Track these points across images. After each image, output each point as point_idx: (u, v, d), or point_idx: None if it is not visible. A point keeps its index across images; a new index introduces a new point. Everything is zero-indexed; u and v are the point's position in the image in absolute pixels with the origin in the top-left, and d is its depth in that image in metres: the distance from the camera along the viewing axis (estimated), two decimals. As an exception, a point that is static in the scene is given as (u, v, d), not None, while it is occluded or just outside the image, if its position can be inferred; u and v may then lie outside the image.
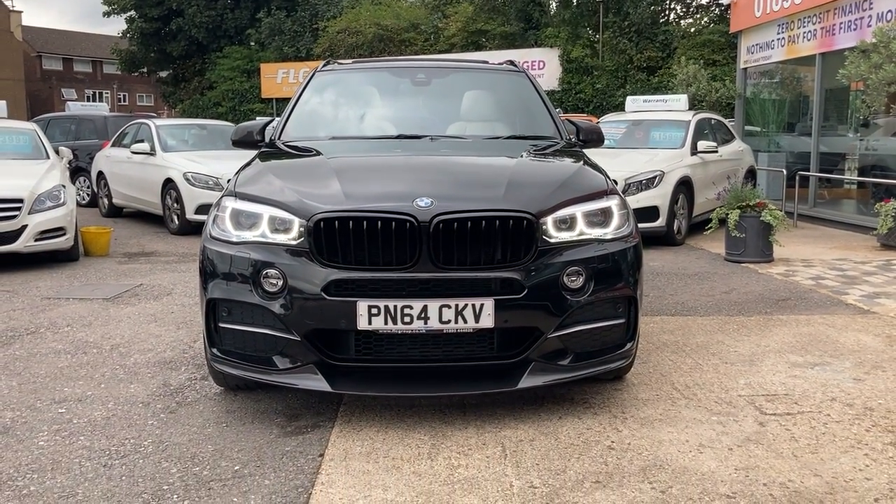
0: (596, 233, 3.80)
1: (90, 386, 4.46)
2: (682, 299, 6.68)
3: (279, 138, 4.96)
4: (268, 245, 3.67)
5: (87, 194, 15.15)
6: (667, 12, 27.39)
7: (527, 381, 3.66)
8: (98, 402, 4.18)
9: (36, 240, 8.21)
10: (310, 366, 3.65)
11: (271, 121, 5.26)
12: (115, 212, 13.39)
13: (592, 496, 3.04)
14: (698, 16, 26.23)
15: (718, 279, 7.65)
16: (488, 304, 3.53)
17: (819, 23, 11.97)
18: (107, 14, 36.86)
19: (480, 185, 3.90)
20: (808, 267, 8.30)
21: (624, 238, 3.86)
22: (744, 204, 8.53)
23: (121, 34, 38.47)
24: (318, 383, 3.63)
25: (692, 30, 24.85)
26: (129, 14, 36.69)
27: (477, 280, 3.57)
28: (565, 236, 3.72)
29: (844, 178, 11.97)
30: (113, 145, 13.55)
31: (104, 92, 68.97)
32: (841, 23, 11.44)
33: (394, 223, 3.52)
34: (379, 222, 3.52)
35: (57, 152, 9.96)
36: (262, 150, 4.72)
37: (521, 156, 4.27)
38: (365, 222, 3.53)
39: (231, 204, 3.84)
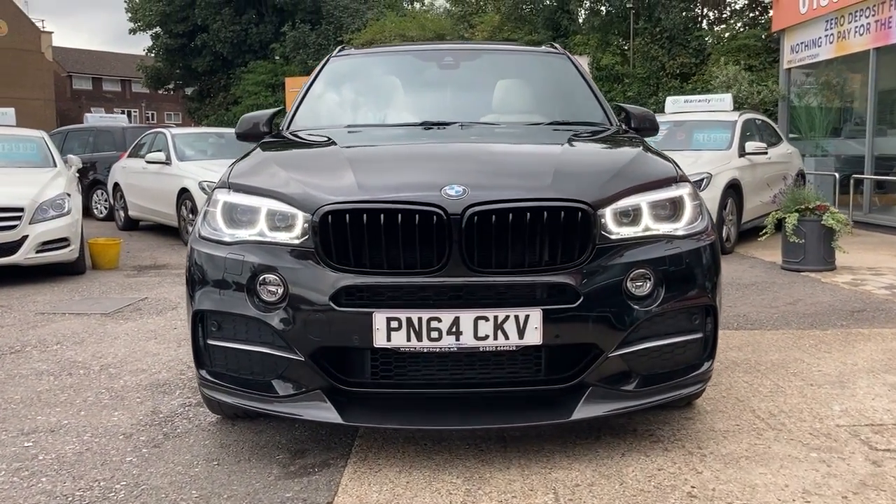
0: (665, 228, 3.11)
1: (68, 413, 3.84)
2: (742, 311, 5.94)
3: (287, 129, 4.32)
4: (266, 245, 3.02)
5: (105, 208, 14.70)
6: (699, 19, 26.59)
7: (583, 412, 2.96)
8: (72, 434, 3.54)
9: (37, 251, 7.66)
10: (316, 392, 2.98)
11: (281, 110, 4.61)
12: (132, 224, 12.89)
13: (678, 564, 2.34)
14: (732, 20, 25.37)
15: (779, 289, 6.89)
16: (535, 315, 2.84)
17: (873, 15, 11.19)
18: (132, 31, 36.79)
19: (522, 173, 3.23)
20: (877, 276, 7.51)
21: (699, 235, 3.16)
22: (803, 207, 7.76)
23: (146, 51, 38.40)
24: (326, 413, 2.96)
25: (726, 35, 24.00)
26: (154, 31, 36.60)
27: (520, 286, 2.89)
28: (628, 232, 3.03)
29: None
30: (129, 156, 13.07)
31: (132, 110, 69.37)
32: (898, 15, 10.66)
33: (418, 216, 2.85)
34: (399, 216, 2.86)
35: (65, 161, 9.45)
36: (266, 139, 4.07)
37: (568, 142, 3.58)
38: (382, 216, 2.86)
39: (224, 197, 3.20)
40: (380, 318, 2.84)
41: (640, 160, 3.36)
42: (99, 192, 14.84)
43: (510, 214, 2.86)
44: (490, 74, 4.75)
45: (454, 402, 3.08)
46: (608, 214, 2.99)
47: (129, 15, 36.10)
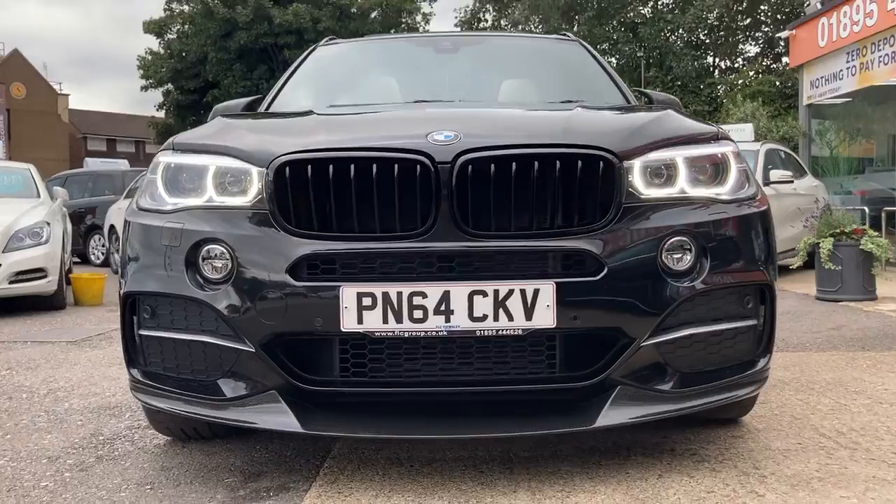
0: (706, 192, 2.50)
1: (-8, 437, 3.21)
2: (781, 336, 5.26)
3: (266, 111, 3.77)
4: (212, 211, 2.44)
5: (102, 253, 14.20)
6: (712, 68, 26.34)
7: (610, 417, 2.31)
8: (-12, 458, 2.92)
9: (11, 282, 7.10)
10: (270, 393, 2.36)
11: (261, 98, 4.06)
12: (127, 268, 12.33)
13: None
14: (745, 68, 25.08)
15: (818, 316, 6.22)
16: (546, 290, 2.23)
17: (898, 43, 10.71)
18: (144, 88, 36.91)
19: (528, 125, 2.65)
20: (924, 304, 6.83)
21: (748, 201, 2.55)
22: (838, 231, 7.13)
23: (157, 107, 38.49)
24: (281, 419, 2.32)
25: (740, 82, 23.67)
26: (165, 87, 36.73)
27: (528, 253, 2.29)
28: (661, 194, 2.43)
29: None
30: (126, 197, 12.62)
31: (144, 170, 69.81)
32: (925, 41, 10.17)
33: (397, 166, 2.26)
34: (374, 165, 2.27)
35: (51, 193, 8.96)
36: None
37: (581, 108, 2.99)
38: (353, 166, 2.28)
39: (166, 159, 2.62)
40: (349, 294, 2.23)
41: (671, 117, 2.78)
42: (96, 237, 14.37)
43: (513, 163, 2.26)
44: (493, 58, 4.21)
45: (445, 407, 2.45)
46: (636, 170, 2.39)
47: (142, 72, 36.25)
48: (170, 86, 36.22)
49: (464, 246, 2.26)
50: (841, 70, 12.23)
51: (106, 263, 13.67)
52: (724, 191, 2.52)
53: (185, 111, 36.67)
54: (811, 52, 13.02)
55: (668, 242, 2.34)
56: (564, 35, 4.58)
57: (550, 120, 2.72)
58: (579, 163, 2.29)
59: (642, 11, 25.30)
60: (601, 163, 2.31)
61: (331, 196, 2.29)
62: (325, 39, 4.56)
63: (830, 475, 2.47)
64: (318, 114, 2.88)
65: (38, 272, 7.28)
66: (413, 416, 2.41)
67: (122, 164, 16.34)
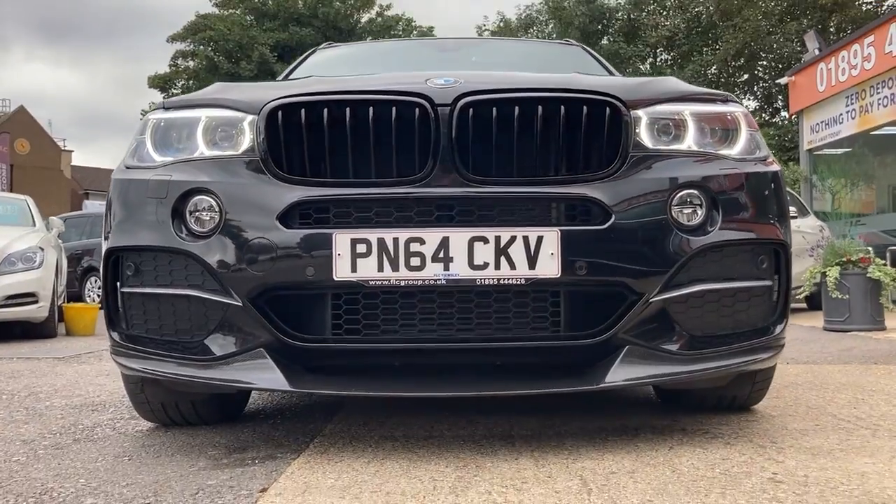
0: (714, 152, 2.40)
1: (-34, 426, 3.05)
2: (790, 354, 5.11)
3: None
4: (202, 161, 2.34)
5: (98, 295, 14.03)
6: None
7: (617, 375, 2.18)
8: (-41, 440, 2.75)
9: (1, 306, 6.96)
10: (257, 350, 2.22)
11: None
12: (122, 308, 12.18)
13: (777, 546, 1.51)
14: (744, 123, 25.28)
15: (827, 342, 6.06)
16: (550, 237, 2.11)
17: (896, 86, 10.77)
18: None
19: (529, 77, 2.57)
20: (934, 333, 6.67)
21: (760, 161, 2.45)
22: (845, 259, 7.02)
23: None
24: (267, 376, 2.19)
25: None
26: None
27: (531, 199, 2.18)
28: (669, 149, 2.33)
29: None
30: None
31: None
32: (923, 82, 10.22)
33: (395, 109, 2.17)
34: (370, 109, 2.18)
35: (47, 225, 8.88)
36: None
37: (577, 73, 2.91)
38: (348, 110, 2.19)
39: (156, 116, 2.53)
40: (342, 241, 2.11)
41: (676, 80, 2.69)
42: (93, 279, 14.24)
43: (516, 107, 2.17)
44: (495, 56, 4.17)
45: (442, 371, 2.31)
46: (643, 122, 2.30)
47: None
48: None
49: (464, 192, 2.16)
50: (841, 114, 12.28)
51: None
52: (734, 152, 2.42)
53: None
54: (810, 97, 13.11)
55: (678, 195, 2.24)
56: (567, 41, 4.55)
57: (551, 76, 2.64)
58: (585, 108, 2.21)
59: (642, 67, 25.65)
60: (608, 108, 2.22)
61: (325, 141, 2.20)
62: (325, 44, 4.53)
63: (852, 448, 2.31)
64: (319, 76, 2.80)
65: (30, 297, 7.16)
66: (406, 377, 2.27)
67: (122, 207, 16.29)
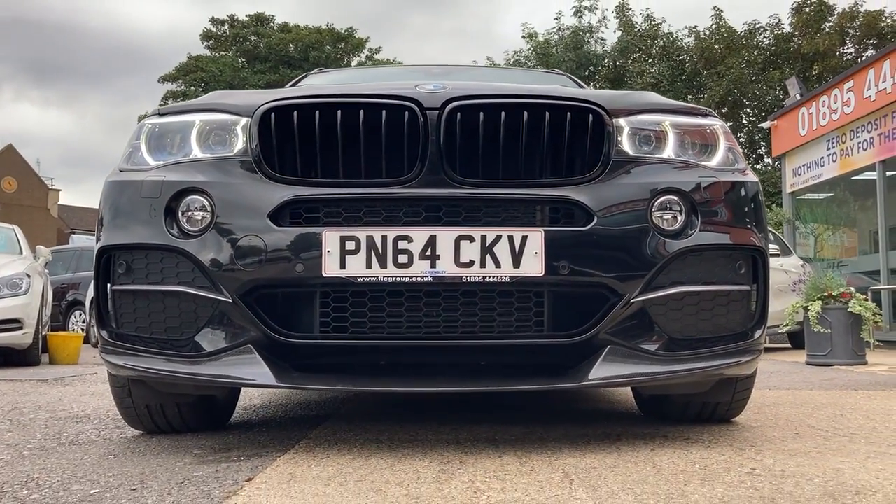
0: (694, 161, 2.48)
1: (-51, 433, 3.04)
2: (772, 382, 5.16)
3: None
4: (194, 162, 2.39)
5: (82, 329, 13.96)
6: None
7: (599, 373, 2.22)
8: (-58, 443, 2.75)
9: (-15, 331, 6.93)
10: (246, 346, 2.25)
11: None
12: (106, 341, 12.09)
13: (752, 521, 1.55)
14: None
15: (809, 374, 6.11)
16: (535, 237, 2.18)
17: (875, 129, 10.99)
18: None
19: (515, 88, 2.65)
20: (914, 367, 6.74)
21: (739, 171, 2.53)
22: (826, 294, 7.11)
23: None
24: (254, 371, 2.22)
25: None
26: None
27: (517, 201, 2.25)
28: (650, 157, 2.41)
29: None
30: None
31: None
32: (902, 125, 10.45)
33: (385, 112, 2.25)
34: (361, 111, 2.25)
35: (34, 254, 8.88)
36: None
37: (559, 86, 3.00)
38: (339, 112, 2.26)
39: (151, 121, 2.59)
40: (332, 238, 2.17)
41: (656, 95, 2.78)
42: (77, 312, 14.17)
43: (502, 112, 2.25)
44: (483, 79, 4.26)
45: (426, 370, 2.35)
46: (625, 131, 2.39)
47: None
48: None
49: (451, 192, 2.22)
50: (822, 157, 12.50)
51: (86, 340, 13.42)
52: (712, 163, 2.50)
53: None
54: (792, 141, 13.34)
55: (659, 200, 2.31)
56: (554, 70, 4.68)
57: (537, 86, 2.73)
58: (569, 115, 2.29)
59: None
60: (591, 116, 2.30)
61: (316, 142, 2.26)
62: (316, 69, 4.63)
63: (829, 450, 2.35)
64: (312, 85, 2.87)
65: (14, 323, 7.13)
66: (392, 375, 2.31)
67: (109, 242, 16.25)
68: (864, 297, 7.14)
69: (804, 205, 13.76)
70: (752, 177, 2.55)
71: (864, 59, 23.40)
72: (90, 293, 12.78)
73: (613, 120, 2.35)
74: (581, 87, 4.25)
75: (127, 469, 2.14)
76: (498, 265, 2.16)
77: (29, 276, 7.47)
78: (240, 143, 2.36)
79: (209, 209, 2.28)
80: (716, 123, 2.59)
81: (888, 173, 11.01)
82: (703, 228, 2.33)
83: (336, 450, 2.37)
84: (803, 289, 7.38)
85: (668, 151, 2.45)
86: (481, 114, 2.24)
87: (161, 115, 2.60)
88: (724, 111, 24.80)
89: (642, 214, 2.28)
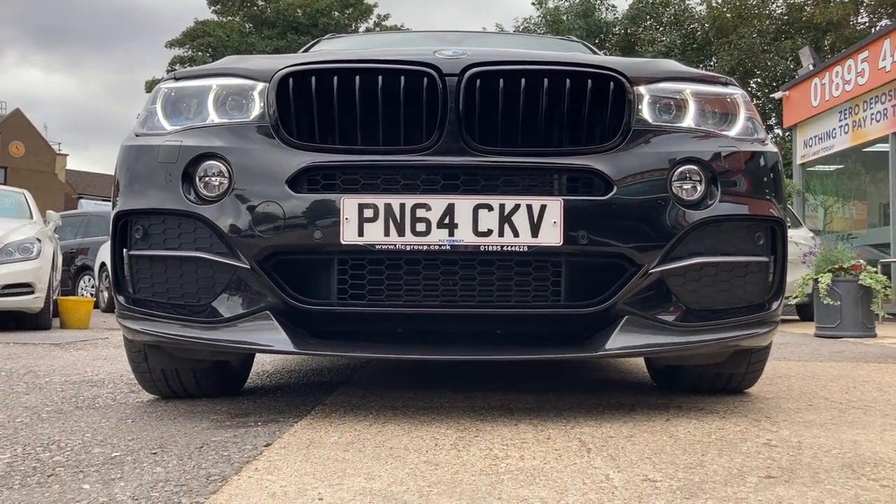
0: (715, 131, 2.46)
1: (-34, 395, 3.06)
2: (783, 355, 5.16)
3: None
4: (212, 128, 2.38)
5: (91, 294, 14.02)
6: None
7: (616, 343, 2.22)
8: (-40, 406, 2.77)
9: (-3, 295, 6.96)
10: (263, 312, 2.26)
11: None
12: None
13: (772, 492, 1.55)
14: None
15: (818, 345, 6.12)
16: (553, 206, 2.16)
17: (890, 100, 10.88)
18: (143, 147, 37.23)
19: (536, 54, 2.62)
20: (924, 340, 6.74)
21: (759, 142, 2.51)
22: (836, 266, 7.09)
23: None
24: (272, 337, 2.22)
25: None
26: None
27: (536, 170, 2.23)
28: (670, 125, 2.39)
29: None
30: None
31: (139, 232, 69.58)
32: (916, 97, 10.34)
33: (403, 78, 2.22)
34: (380, 77, 2.23)
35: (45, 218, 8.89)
36: None
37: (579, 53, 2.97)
38: (357, 78, 2.24)
39: (167, 86, 2.57)
40: (350, 205, 2.16)
41: (676, 63, 2.75)
42: (86, 277, 14.22)
43: (523, 79, 2.23)
44: (498, 44, 4.22)
45: (443, 339, 2.35)
46: (646, 99, 2.36)
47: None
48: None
49: (470, 161, 2.20)
50: (834, 129, 12.39)
51: (95, 305, 13.49)
52: (732, 133, 2.48)
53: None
54: (804, 111, 13.22)
55: (679, 170, 2.29)
56: (569, 38, 4.63)
57: (557, 53, 2.71)
58: (590, 82, 2.26)
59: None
60: (612, 83, 2.28)
61: (334, 108, 2.24)
62: (329, 35, 4.59)
63: (844, 422, 2.36)
64: (328, 50, 2.84)
65: (26, 287, 7.16)
66: (408, 342, 2.31)
67: (117, 207, 16.25)
68: (874, 269, 7.11)
69: (814, 176, 13.69)
70: (771, 147, 2.52)
71: (878, 28, 23.13)
72: (99, 258, 12.82)
73: (634, 88, 2.32)
74: (596, 53, 4.21)
75: (146, 433, 2.16)
76: (516, 234, 2.16)
77: (40, 240, 7.49)
78: (257, 109, 2.35)
79: (227, 175, 2.28)
80: (736, 93, 2.56)
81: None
82: (722, 199, 2.32)
83: (352, 416, 2.38)
84: (813, 260, 7.36)
85: (689, 120, 2.43)
86: (501, 80, 2.22)
87: (177, 79, 2.58)
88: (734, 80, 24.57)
89: (662, 184, 2.26)
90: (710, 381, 2.82)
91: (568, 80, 2.24)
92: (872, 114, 11.33)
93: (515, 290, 2.25)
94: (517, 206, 2.15)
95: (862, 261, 7.27)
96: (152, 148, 2.39)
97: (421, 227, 2.15)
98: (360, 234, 2.16)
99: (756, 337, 2.43)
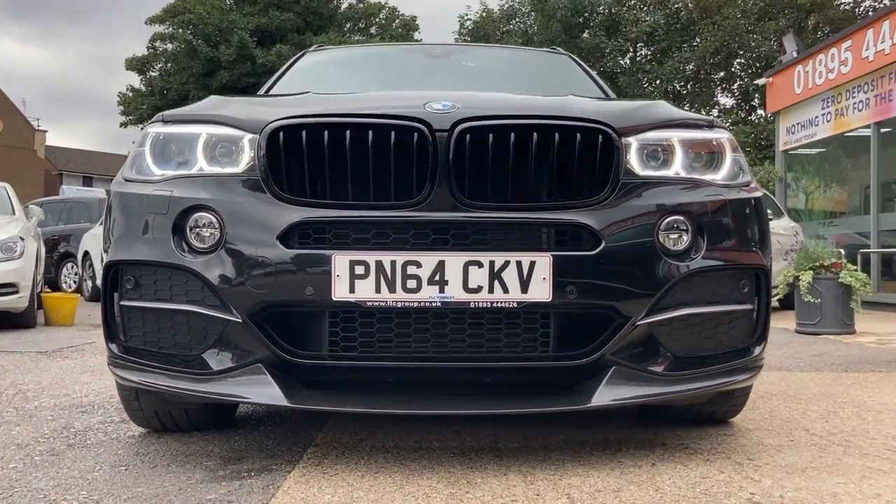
0: (701, 177, 2.49)
1: (-43, 428, 3.08)
2: (766, 360, 5.23)
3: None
4: (202, 178, 2.38)
5: (74, 281, 13.95)
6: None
7: (604, 396, 2.27)
8: (-48, 444, 2.79)
9: (-19, 296, 6.93)
10: (255, 365, 2.28)
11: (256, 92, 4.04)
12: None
13: (756, 571, 1.61)
14: (721, 118, 25.54)
15: (799, 346, 6.22)
16: (542, 262, 2.19)
17: (872, 90, 10.95)
18: (124, 125, 36.83)
19: (525, 101, 2.65)
20: (902, 338, 6.86)
21: (744, 186, 2.54)
22: (817, 264, 7.18)
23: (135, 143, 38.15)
24: (266, 392, 2.25)
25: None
26: (146, 124, 36.56)
27: (525, 225, 2.26)
28: (657, 175, 2.42)
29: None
30: (102, 223, 12.43)
31: (121, 209, 69.03)
32: (899, 87, 10.41)
33: (394, 133, 2.24)
34: (370, 132, 2.24)
35: (27, 213, 8.83)
36: None
37: (572, 95, 2.98)
38: (348, 132, 2.25)
39: (155, 129, 2.57)
40: (341, 262, 2.18)
41: (664, 105, 2.78)
42: (69, 265, 14.13)
43: (512, 133, 2.25)
44: (483, 63, 4.23)
45: (434, 388, 2.38)
46: (633, 148, 2.39)
47: (122, 108, 36.20)
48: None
49: (460, 216, 2.22)
50: (816, 116, 12.47)
51: (78, 291, 13.43)
52: (718, 177, 2.51)
53: (164, 148, 36.47)
54: (787, 98, 13.29)
55: (665, 221, 2.32)
56: (554, 48, 4.62)
57: (546, 100, 2.73)
58: (578, 136, 2.28)
59: (622, 62, 25.77)
60: (600, 136, 2.30)
61: (325, 163, 2.25)
62: (315, 46, 4.56)
63: (825, 466, 2.42)
64: (315, 93, 2.83)
65: (10, 287, 7.13)
66: (400, 394, 2.34)
67: (99, 192, 16.14)
68: (854, 267, 7.21)
69: (796, 162, 13.78)
70: (756, 192, 2.56)
71: (862, 9, 23.21)
72: (82, 246, 12.75)
73: (622, 139, 2.35)
74: (583, 68, 4.21)
75: (140, 489, 2.18)
76: (506, 290, 2.18)
77: (23, 238, 7.45)
78: (246, 158, 2.35)
79: (217, 226, 2.29)
80: (722, 136, 2.59)
81: (882, 130, 11.01)
82: (708, 249, 2.36)
83: (344, 462, 2.41)
84: (794, 258, 7.45)
85: (676, 166, 2.45)
86: (491, 135, 2.23)
87: (165, 122, 2.58)
88: (717, 61, 24.64)
89: (649, 237, 2.29)
90: (694, 415, 2.88)
91: (557, 134, 2.26)
92: (855, 103, 11.42)
93: (505, 342, 2.29)
94: (507, 263, 2.18)
95: (842, 251, 7.40)
96: (142, 197, 2.40)
97: (412, 283, 2.17)
98: (352, 290, 2.18)
99: (739, 382, 2.49)
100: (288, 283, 2.22)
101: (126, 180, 2.53)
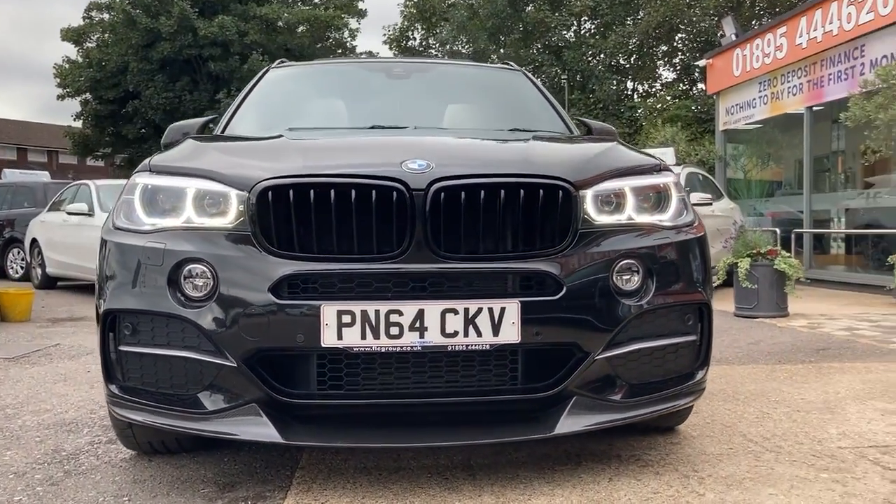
0: (650, 219, 2.76)
1: (-51, 454, 3.22)
2: (705, 350, 5.61)
3: (223, 133, 3.88)
4: (193, 231, 2.56)
5: (21, 267, 13.79)
6: (630, 91, 27.31)
7: (567, 425, 2.54)
8: (-49, 474, 2.94)
9: (-65, 297, 6.92)
10: (251, 405, 2.49)
11: (215, 118, 4.19)
12: (50, 283, 12.02)
13: (701, 591, 1.90)
14: (663, 93, 26.11)
15: (737, 332, 6.63)
16: (512, 308, 2.44)
17: (805, 76, 11.43)
18: (61, 97, 35.86)
19: (491, 155, 2.88)
20: (831, 320, 7.34)
21: (687, 227, 2.82)
22: (755, 251, 7.60)
23: (74, 117, 37.28)
24: (262, 430, 2.46)
25: (658, 106, 24.62)
26: (83, 97, 35.66)
27: (495, 274, 2.50)
28: (611, 220, 2.68)
29: (846, 231, 11.16)
30: (50, 210, 12.32)
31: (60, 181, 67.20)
32: (830, 74, 10.89)
33: (374, 192, 2.44)
34: (353, 191, 2.44)
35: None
36: (198, 135, 3.60)
37: (533, 139, 3.22)
38: (332, 191, 2.45)
39: (143, 180, 2.73)
40: (329, 312, 2.39)
41: (617, 150, 3.04)
42: (15, 250, 13.94)
43: (482, 192, 2.47)
44: (443, 85, 4.43)
45: (414, 419, 2.62)
46: (589, 198, 2.64)
47: (58, 80, 35.19)
48: (88, 95, 35.24)
49: (436, 267, 2.45)
50: (754, 98, 12.95)
51: (26, 278, 13.30)
52: (665, 217, 2.79)
53: (104, 121, 35.77)
54: (726, 80, 13.74)
55: (619, 265, 2.59)
56: (509, 64, 4.84)
57: (512, 150, 2.95)
58: (541, 192, 2.52)
59: (566, 35, 26.06)
60: (560, 192, 2.54)
61: (312, 219, 2.45)
62: (277, 62, 4.70)
63: (759, 476, 2.74)
64: (290, 139, 3.00)
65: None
66: (384, 427, 2.58)
67: (43, 176, 15.88)
68: (788, 254, 7.65)
69: (736, 137, 14.26)
70: (700, 231, 2.85)
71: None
72: (29, 234, 12.60)
73: (580, 191, 2.59)
74: (536, 86, 4.44)
75: (149, 523, 2.39)
76: (479, 334, 2.43)
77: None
78: (234, 212, 2.53)
79: (210, 277, 2.47)
80: (668, 180, 2.86)
81: (815, 108, 11.49)
82: (657, 288, 2.63)
83: (332, 488, 2.65)
84: (732, 245, 7.86)
85: (629, 211, 2.72)
86: (463, 193, 2.46)
87: (152, 171, 2.74)
88: (658, 34, 25.08)
89: (605, 280, 2.56)
90: (644, 425, 3.18)
91: (522, 191, 2.50)
92: (789, 87, 11.89)
93: (478, 378, 2.54)
94: (480, 310, 2.42)
95: (776, 230, 7.84)
96: (135, 248, 2.56)
97: (394, 330, 2.40)
98: (339, 337, 2.40)
99: (684, 405, 2.79)
100: (280, 331, 2.42)
101: (117, 228, 2.69)
